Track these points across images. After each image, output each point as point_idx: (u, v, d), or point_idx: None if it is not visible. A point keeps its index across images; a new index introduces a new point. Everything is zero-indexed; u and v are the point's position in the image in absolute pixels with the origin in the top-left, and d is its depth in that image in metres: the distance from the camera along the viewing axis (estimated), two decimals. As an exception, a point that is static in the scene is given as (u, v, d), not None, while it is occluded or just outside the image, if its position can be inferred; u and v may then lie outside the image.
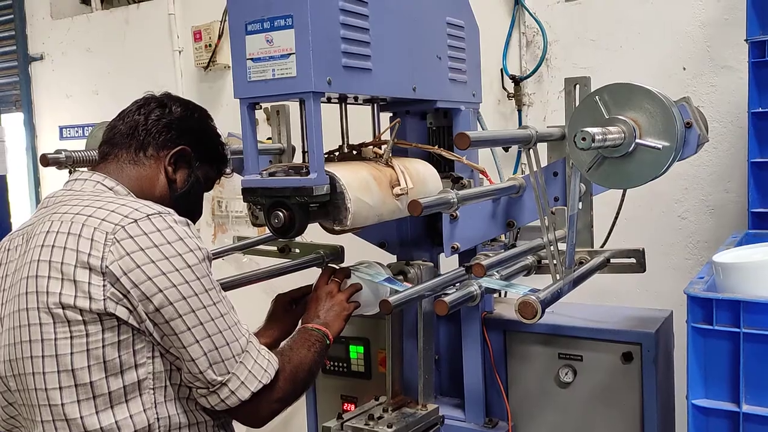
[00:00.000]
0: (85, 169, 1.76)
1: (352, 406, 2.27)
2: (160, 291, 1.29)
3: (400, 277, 1.95)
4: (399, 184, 1.79)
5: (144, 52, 4.42)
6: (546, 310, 1.47)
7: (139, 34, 4.47)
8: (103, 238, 1.29)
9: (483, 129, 2.42)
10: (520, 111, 3.17)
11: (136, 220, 1.32)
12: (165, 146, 1.54)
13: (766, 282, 1.47)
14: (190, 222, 1.41)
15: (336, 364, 2.37)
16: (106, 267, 1.27)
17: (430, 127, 2.16)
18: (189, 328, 1.32)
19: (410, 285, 1.85)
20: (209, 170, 1.66)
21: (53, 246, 1.30)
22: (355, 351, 2.33)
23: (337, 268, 1.88)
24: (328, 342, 1.66)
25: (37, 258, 1.31)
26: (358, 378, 2.32)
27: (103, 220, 1.31)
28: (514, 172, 3.12)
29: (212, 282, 1.37)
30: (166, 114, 1.56)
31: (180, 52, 4.26)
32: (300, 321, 1.75)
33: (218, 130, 1.72)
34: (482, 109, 2.28)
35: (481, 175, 2.04)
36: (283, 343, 1.65)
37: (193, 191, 1.60)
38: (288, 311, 1.92)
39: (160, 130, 1.54)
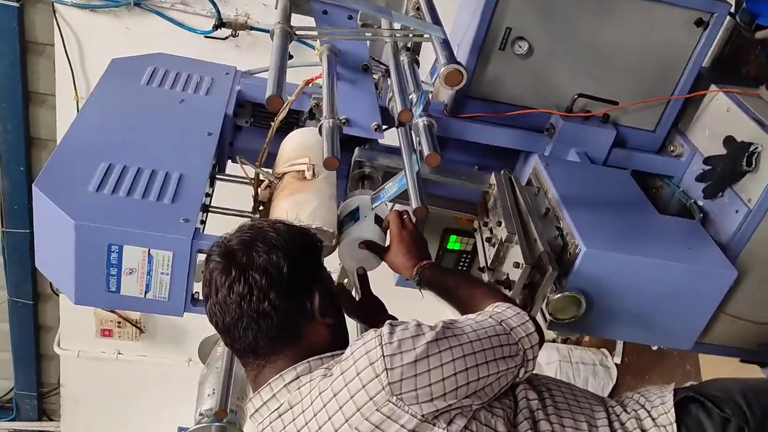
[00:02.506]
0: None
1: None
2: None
3: (368, 182, 1.93)
4: (303, 171, 1.76)
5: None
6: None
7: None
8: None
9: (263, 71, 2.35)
10: (236, 36, 3.12)
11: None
12: (305, 309, 1.31)
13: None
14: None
15: (462, 263, 2.39)
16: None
17: (250, 123, 2.13)
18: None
19: (388, 185, 1.74)
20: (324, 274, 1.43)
21: None
22: (453, 241, 2.33)
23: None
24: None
25: None
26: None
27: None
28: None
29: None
30: (275, 281, 1.27)
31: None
32: (413, 268, 1.62)
33: (290, 223, 1.41)
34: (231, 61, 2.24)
35: (316, 81, 2.00)
36: (462, 290, 1.55)
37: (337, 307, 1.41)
38: (362, 304, 1.78)
39: (293, 309, 1.29)
